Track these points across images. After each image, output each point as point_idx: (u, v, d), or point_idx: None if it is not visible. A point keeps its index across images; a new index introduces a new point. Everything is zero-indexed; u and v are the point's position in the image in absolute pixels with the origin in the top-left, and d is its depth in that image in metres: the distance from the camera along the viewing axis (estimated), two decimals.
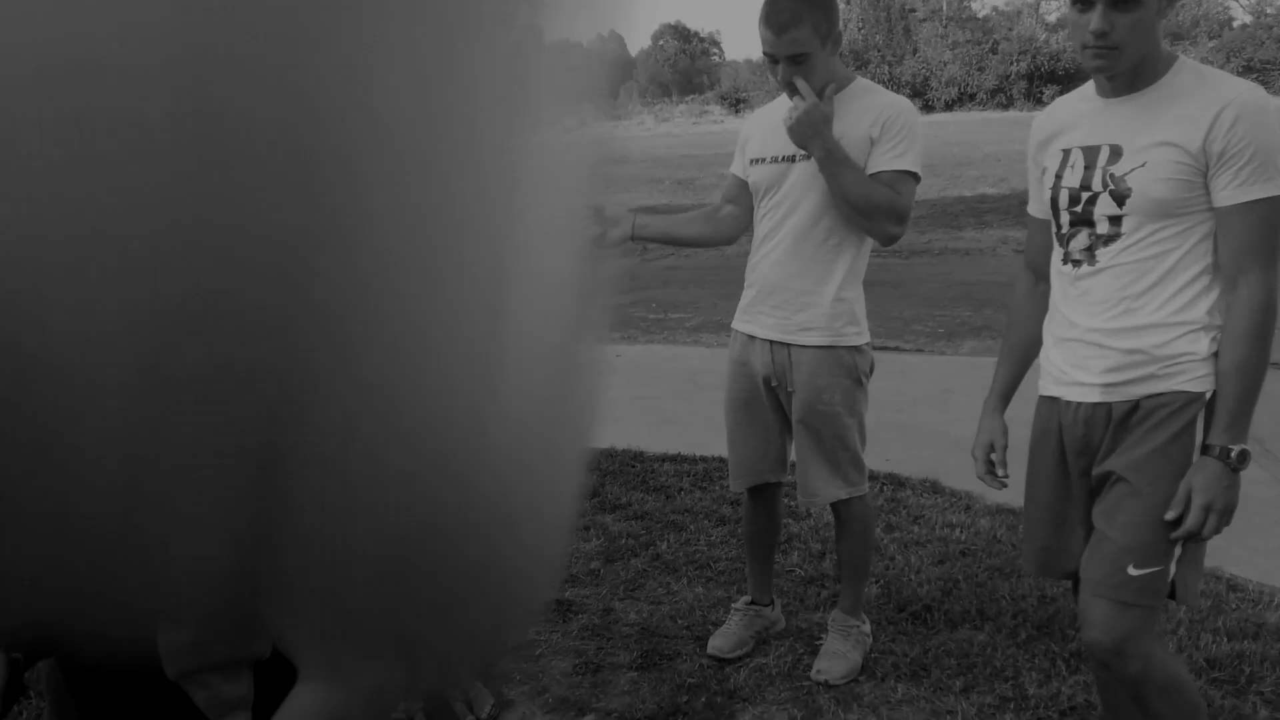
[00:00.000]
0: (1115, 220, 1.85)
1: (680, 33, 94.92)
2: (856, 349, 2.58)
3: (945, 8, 64.86)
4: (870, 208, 2.43)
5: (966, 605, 3.04)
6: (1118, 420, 1.88)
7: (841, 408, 2.57)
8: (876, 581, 3.21)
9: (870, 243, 2.59)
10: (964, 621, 2.96)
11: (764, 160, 2.60)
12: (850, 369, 2.57)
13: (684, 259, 11.14)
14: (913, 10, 67.05)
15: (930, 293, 8.41)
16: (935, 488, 4.00)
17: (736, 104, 47.18)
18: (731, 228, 2.81)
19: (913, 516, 3.73)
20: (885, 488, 3.99)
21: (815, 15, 2.37)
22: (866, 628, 2.83)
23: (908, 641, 2.88)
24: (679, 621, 3.09)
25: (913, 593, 3.13)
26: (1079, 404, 1.94)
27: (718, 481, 4.17)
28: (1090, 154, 1.89)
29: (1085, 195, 1.89)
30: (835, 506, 2.70)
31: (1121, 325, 1.86)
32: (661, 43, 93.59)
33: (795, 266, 2.54)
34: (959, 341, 6.66)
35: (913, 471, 4.16)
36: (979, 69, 52.22)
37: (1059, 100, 2.10)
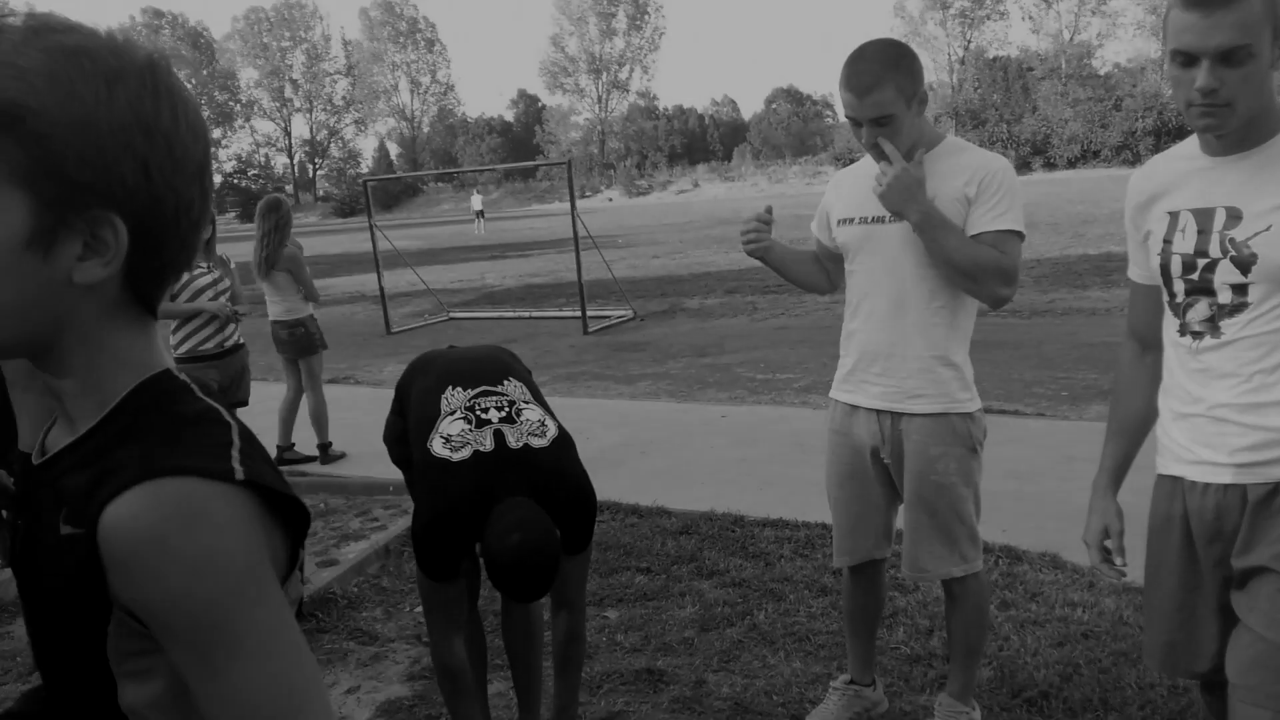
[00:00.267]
0: (1240, 289, 1.69)
1: (793, 96, 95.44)
2: (970, 416, 2.44)
3: (1064, 65, 63.49)
4: (977, 270, 2.30)
5: (1088, 693, 2.80)
6: (1256, 504, 1.70)
7: (957, 478, 2.42)
8: (989, 663, 2.99)
9: (975, 304, 2.46)
10: (1085, 710, 2.72)
11: (853, 220, 2.50)
12: (964, 437, 2.43)
13: (794, 319, 11.00)
14: (1031, 69, 65.89)
15: (1053, 354, 8.05)
16: (1055, 562, 3.75)
17: (850, 164, 47.00)
18: (834, 282, 2.76)
19: (1030, 594, 3.49)
20: (1001, 561, 3.75)
21: (898, 76, 2.26)
22: (977, 715, 2.63)
23: None
24: (774, 698, 2.94)
25: (1029, 677, 2.90)
26: (1207, 485, 1.76)
27: (820, 549, 4.01)
28: (1203, 217, 1.73)
29: (1202, 262, 1.73)
30: (948, 583, 2.53)
31: (1254, 401, 1.69)
32: (775, 106, 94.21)
33: (899, 331, 2.42)
34: (1083, 406, 6.32)
35: (1031, 544, 3.91)
36: (1102, 125, 50.82)
37: (1157, 158, 1.93)
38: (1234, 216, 1.69)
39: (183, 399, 0.88)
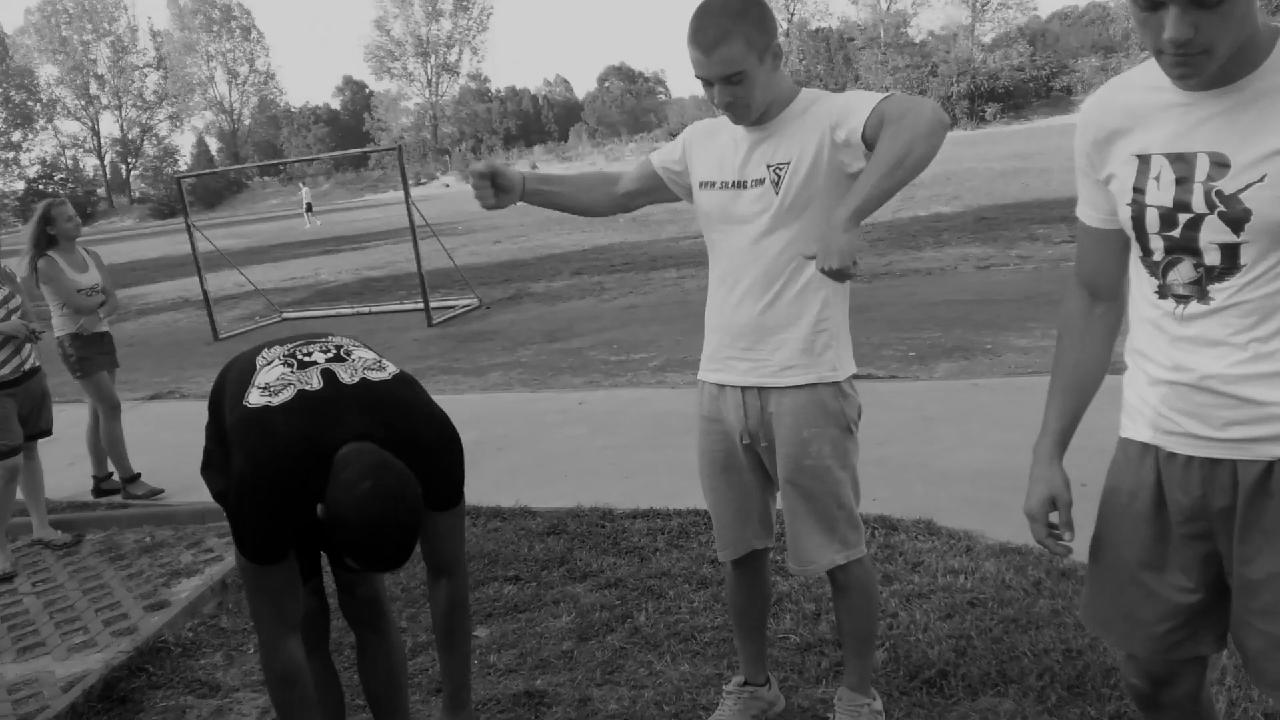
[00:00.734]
0: (1230, 250, 1.46)
1: (625, 74, 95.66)
2: (841, 391, 2.26)
3: (883, 35, 66.00)
4: (908, 157, 1.90)
5: (985, 666, 2.72)
6: (1253, 485, 1.52)
7: (832, 460, 2.26)
8: (881, 644, 2.88)
9: None
10: (985, 686, 2.64)
11: (714, 185, 2.28)
12: (837, 416, 2.26)
13: (642, 297, 10.86)
14: (851, 39, 68.14)
15: (896, 315, 8.18)
16: (930, 528, 3.70)
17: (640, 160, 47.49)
18: (618, 204, 2.52)
19: (910, 563, 3.42)
20: (877, 532, 3.68)
21: (746, 28, 2.03)
22: (878, 704, 2.50)
23: (924, 715, 2.55)
24: (665, 708, 2.74)
25: (923, 656, 2.80)
26: (1190, 459, 1.58)
27: (694, 538, 3.84)
28: (1182, 165, 1.47)
29: (1184, 218, 1.48)
30: (832, 572, 2.37)
31: (1248, 372, 1.49)
32: (608, 84, 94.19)
33: (768, 303, 2.22)
34: (932, 364, 6.41)
35: (903, 512, 3.86)
36: (920, 91, 53.15)
37: (1115, 85, 1.61)
38: (1219, 164, 1.44)
39: None
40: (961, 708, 2.56)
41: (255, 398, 1.91)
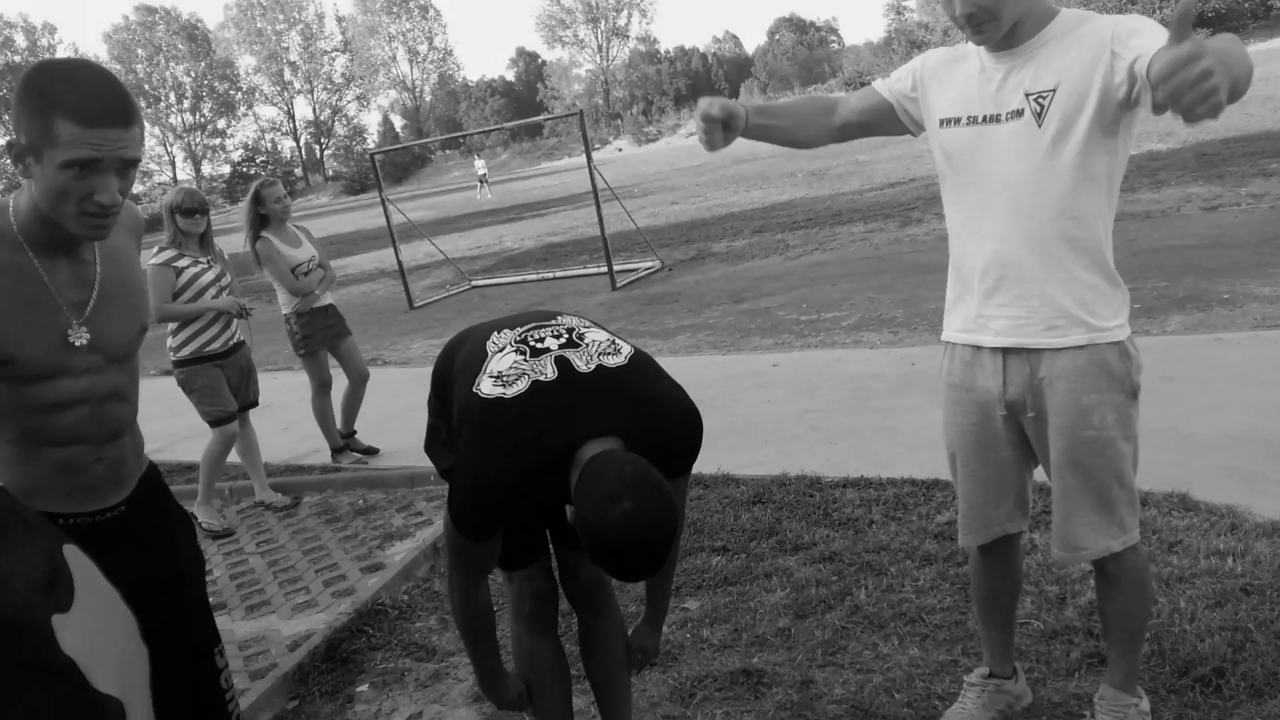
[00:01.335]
0: None
1: (796, 25, 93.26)
2: (1123, 349, 1.99)
3: None
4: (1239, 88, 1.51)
5: (1270, 664, 2.37)
6: None
7: (1116, 431, 1.99)
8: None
9: (1115, 206, 1.98)
10: (1271, 688, 2.30)
11: (960, 121, 2.02)
12: (1122, 379, 1.99)
13: (829, 253, 10.49)
14: None
15: (1117, 264, 7.52)
16: (1185, 503, 3.31)
17: (862, 89, 45.93)
18: (834, 135, 2.27)
19: (1166, 543, 3.06)
20: None
21: None
22: (1145, 704, 2.22)
23: (1199, 718, 2.26)
24: (896, 695, 2.55)
25: (1193, 650, 2.48)
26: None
27: (913, 510, 3.60)
28: None
29: None
30: (1101, 561, 2.10)
31: None
32: (778, 37, 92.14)
33: (1028, 249, 1.96)
34: (1163, 319, 5.83)
35: (1151, 484, 3.46)
36: (1123, 10, 49.25)
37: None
38: None
39: None
40: (1244, 710, 2.25)
41: (488, 387, 1.83)
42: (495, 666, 2.16)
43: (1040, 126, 1.89)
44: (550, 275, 12.45)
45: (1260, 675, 2.34)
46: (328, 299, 5.50)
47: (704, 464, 4.44)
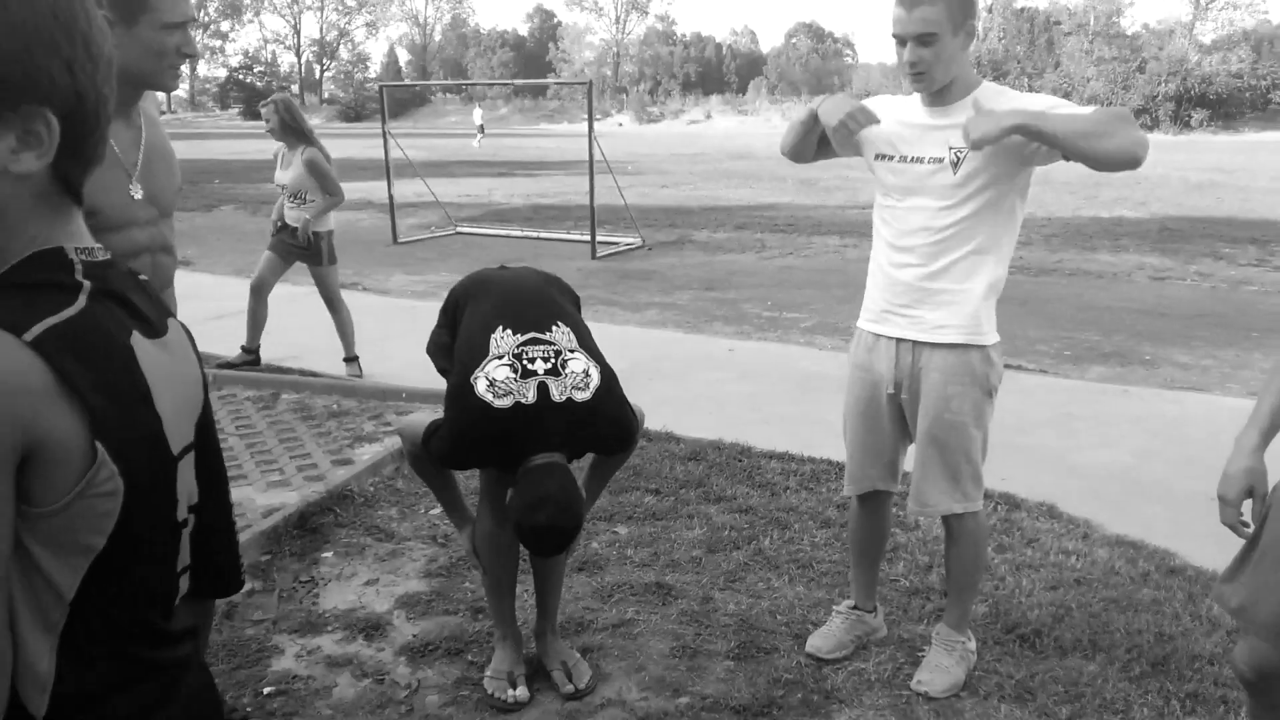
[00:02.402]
0: None
1: (814, 32, 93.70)
2: (988, 356, 2.52)
3: (1093, 22, 62.43)
4: (1103, 125, 2.21)
5: (1078, 634, 2.94)
6: None
7: (969, 418, 2.52)
8: (985, 600, 3.13)
9: (1011, 246, 2.52)
10: (1075, 650, 2.87)
11: (892, 158, 2.54)
12: (982, 379, 2.52)
13: (803, 259, 11.04)
14: (1058, 23, 64.77)
15: (1059, 313, 8.13)
16: (1052, 512, 3.88)
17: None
18: (814, 156, 2.75)
19: (1026, 539, 3.63)
20: (1000, 508, 3.89)
21: None
22: (972, 645, 2.77)
23: (1014, 663, 2.81)
24: (778, 617, 3.08)
25: (1022, 615, 3.05)
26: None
27: (825, 483, 4.13)
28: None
29: None
30: (948, 520, 2.65)
31: None
32: (795, 41, 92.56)
33: (935, 270, 2.49)
34: (1085, 366, 6.43)
35: (1029, 494, 4.04)
36: (1124, 87, 50.15)
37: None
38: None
39: (49, 270, 0.93)
40: (1049, 663, 2.81)
41: (482, 389, 2.33)
42: (457, 507, 2.83)
43: (955, 174, 2.41)
44: (534, 235, 12.87)
45: (1069, 640, 2.91)
46: (292, 221, 5.97)
47: (651, 422, 4.93)
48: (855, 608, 2.91)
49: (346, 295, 6.37)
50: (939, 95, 2.43)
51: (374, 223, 14.08)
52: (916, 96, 2.50)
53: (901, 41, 2.37)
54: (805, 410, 5.27)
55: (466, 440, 2.39)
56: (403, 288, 9.09)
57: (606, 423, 2.43)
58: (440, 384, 2.61)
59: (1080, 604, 3.12)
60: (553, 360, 2.39)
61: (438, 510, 3.79)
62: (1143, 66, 52.60)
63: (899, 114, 2.54)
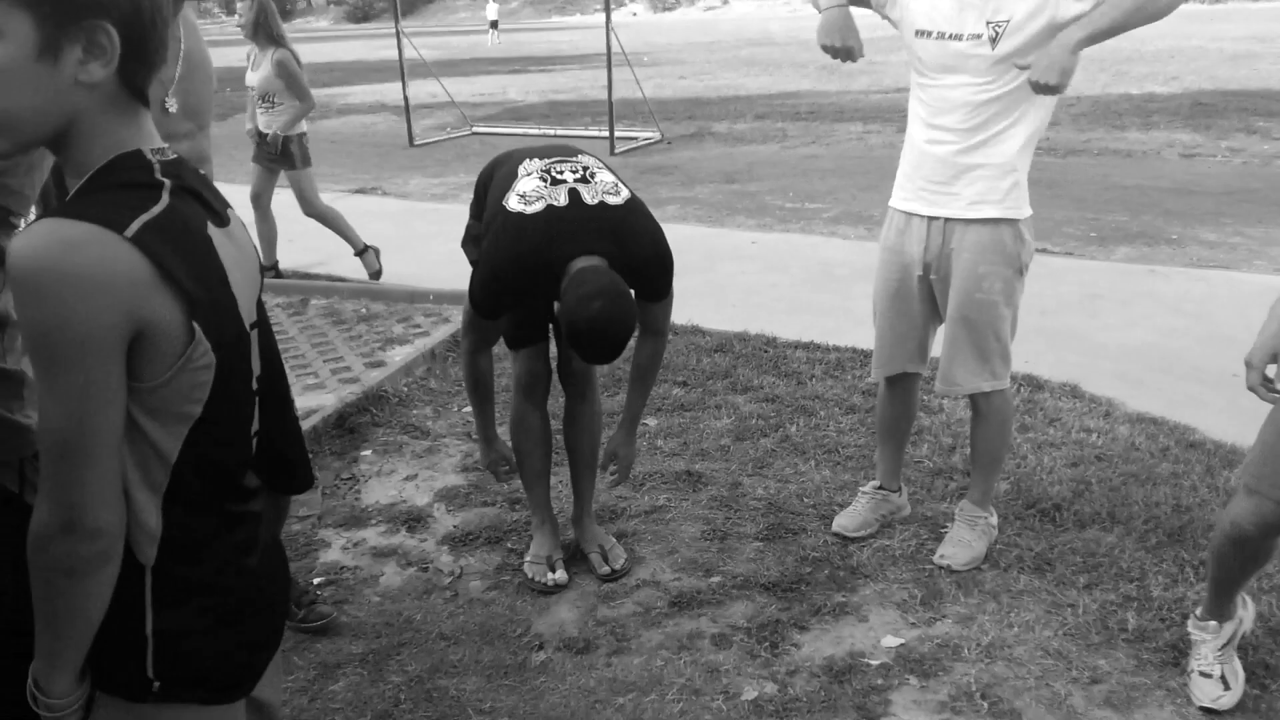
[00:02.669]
0: None
1: None
2: (1019, 233, 2.52)
3: None
4: (1164, 5, 2.26)
5: (1097, 507, 3.02)
6: None
7: (1000, 296, 2.55)
8: (1007, 478, 3.21)
9: (1048, 117, 2.50)
10: (1093, 522, 2.96)
11: (930, 34, 2.51)
12: (1013, 258, 2.53)
13: (825, 148, 10.88)
14: None
15: (1086, 195, 8.02)
16: (1075, 392, 3.93)
17: None
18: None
19: (1049, 419, 3.69)
20: (1023, 389, 3.94)
21: None
22: (993, 520, 2.86)
23: (1034, 537, 2.90)
24: (805, 500, 3.18)
25: (1043, 491, 3.13)
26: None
27: (850, 371, 4.19)
28: None
29: None
30: (975, 398, 2.71)
31: None
32: None
33: (971, 147, 2.48)
34: (1111, 247, 6.38)
35: (1052, 375, 4.09)
36: None
37: None
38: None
39: (131, 171, 1.02)
40: (1068, 535, 2.89)
41: (514, 203, 2.33)
42: (488, 424, 2.74)
43: (994, 49, 2.39)
44: (552, 132, 12.73)
45: (1088, 514, 2.99)
46: (263, 128, 5.88)
47: (678, 316, 4.97)
48: (880, 488, 3.00)
49: (366, 200, 6.40)
50: None
51: (389, 126, 13.97)
52: None
53: None
54: (830, 299, 5.30)
55: (505, 259, 2.31)
56: (423, 190, 9.07)
57: (643, 236, 2.36)
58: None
59: (1100, 479, 3.20)
60: (581, 171, 2.39)
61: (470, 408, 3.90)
62: None
63: None
